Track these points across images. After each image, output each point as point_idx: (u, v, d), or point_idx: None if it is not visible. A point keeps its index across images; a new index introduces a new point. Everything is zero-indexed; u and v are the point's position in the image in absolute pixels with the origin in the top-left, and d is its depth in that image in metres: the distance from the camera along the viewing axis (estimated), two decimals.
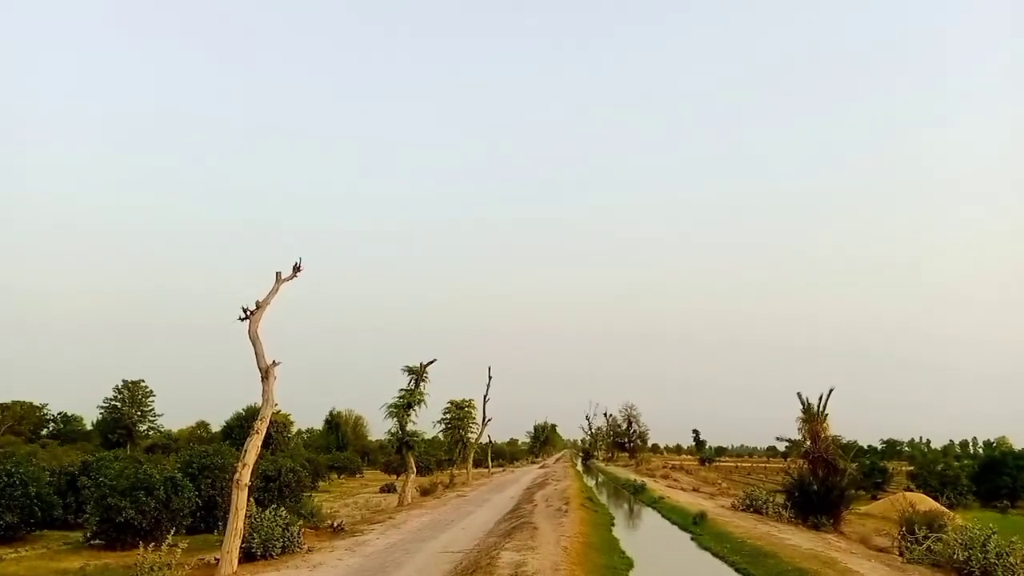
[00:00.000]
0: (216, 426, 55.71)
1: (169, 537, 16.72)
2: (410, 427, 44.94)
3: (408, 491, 41.85)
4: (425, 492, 48.07)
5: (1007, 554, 19.97)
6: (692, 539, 28.18)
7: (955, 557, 20.82)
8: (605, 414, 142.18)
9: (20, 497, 22.62)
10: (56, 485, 25.21)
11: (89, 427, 60.55)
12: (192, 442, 42.53)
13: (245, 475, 19.33)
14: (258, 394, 20.87)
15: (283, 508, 21.97)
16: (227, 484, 23.94)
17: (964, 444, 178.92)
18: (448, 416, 63.62)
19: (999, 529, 21.92)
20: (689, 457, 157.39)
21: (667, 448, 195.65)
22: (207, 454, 28.03)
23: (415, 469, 45.18)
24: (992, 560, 19.92)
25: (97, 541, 22.18)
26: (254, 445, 19.84)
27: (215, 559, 18.82)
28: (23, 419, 59.39)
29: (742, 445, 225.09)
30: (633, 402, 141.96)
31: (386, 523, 29.58)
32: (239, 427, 44.89)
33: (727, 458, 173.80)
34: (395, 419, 43.93)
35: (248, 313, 20.90)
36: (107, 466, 25.44)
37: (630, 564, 20.91)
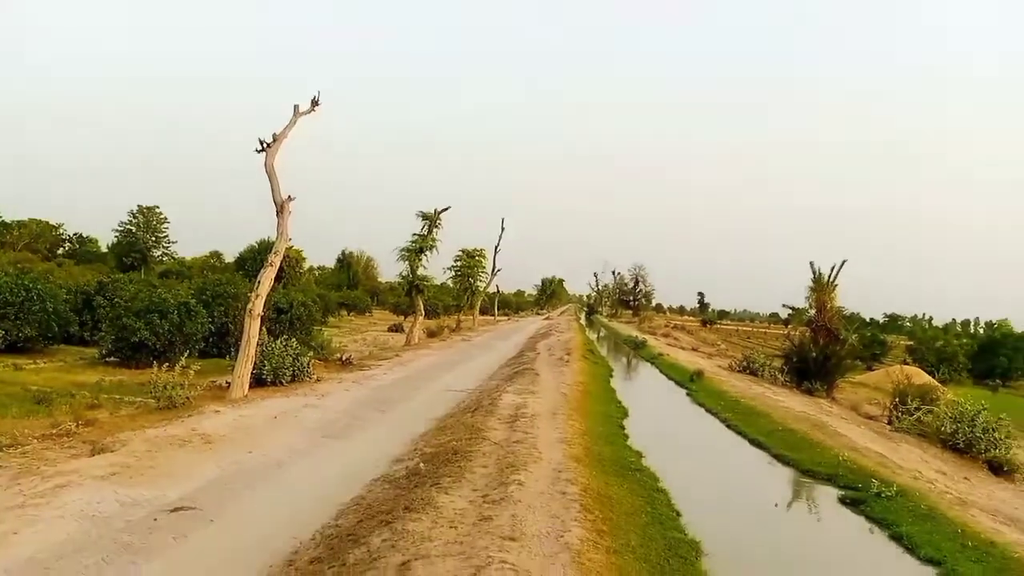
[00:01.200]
0: (229, 257, 56.42)
1: (182, 359, 17.17)
2: (421, 271, 45.44)
3: (415, 332, 42.83)
4: (432, 334, 49.26)
5: (993, 429, 20.47)
6: (687, 395, 29.01)
7: (942, 429, 21.38)
8: (613, 272, 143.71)
9: (38, 312, 23.19)
10: (72, 303, 25.78)
11: (104, 249, 61.41)
12: (205, 271, 43.16)
13: (258, 305, 19.63)
14: (271, 228, 20.89)
15: (294, 339, 22.48)
16: (239, 313, 24.47)
17: (966, 324, 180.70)
18: (458, 264, 64.21)
19: (989, 406, 22.38)
20: (692, 318, 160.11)
21: (671, 309, 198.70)
22: (220, 283, 28.45)
23: (423, 312, 46.04)
24: (978, 434, 20.44)
25: (112, 359, 22.93)
26: (267, 277, 20.04)
27: (226, 383, 19.45)
28: (39, 237, 60.19)
29: (744, 310, 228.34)
30: (642, 262, 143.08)
31: (393, 360, 30.43)
32: (252, 259, 45.39)
33: (729, 322, 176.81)
34: (406, 263, 44.31)
35: (265, 145, 20.47)
36: (122, 288, 25.93)
37: (625, 413, 21.57)
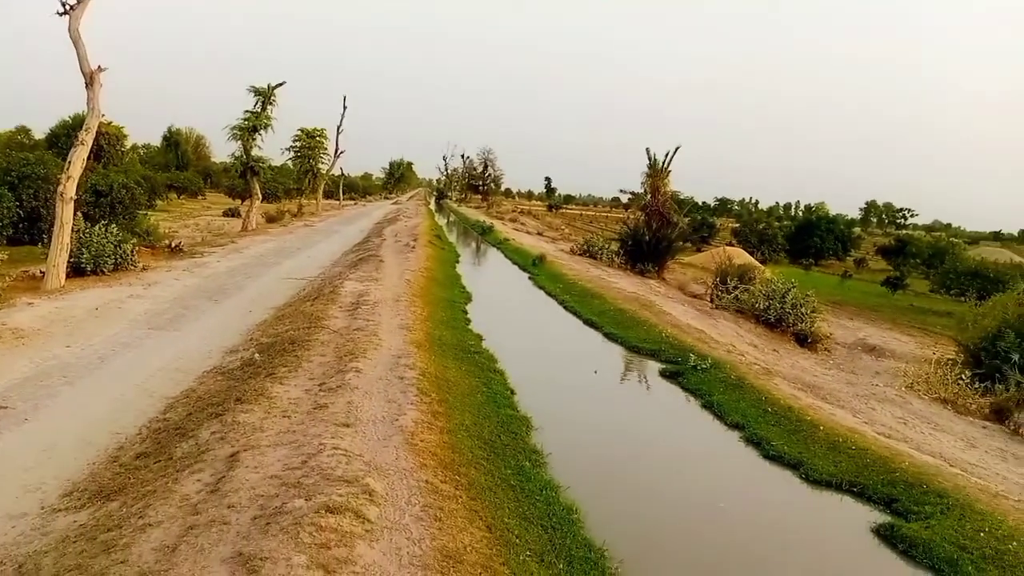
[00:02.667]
0: (39, 133, 50.73)
1: None
2: (256, 152, 43.00)
3: (253, 217, 40.98)
4: (271, 219, 47.33)
5: (801, 304, 22.63)
6: (530, 279, 29.91)
7: (757, 306, 23.40)
8: (463, 156, 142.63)
9: None
10: None
11: None
12: (11, 148, 38.62)
13: (70, 188, 17.97)
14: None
15: (115, 225, 20.91)
16: (52, 196, 22.28)
17: (788, 207, 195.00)
18: (298, 144, 61.20)
19: (800, 283, 24.66)
20: (539, 203, 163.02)
21: (519, 193, 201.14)
22: (28, 162, 25.59)
23: (260, 195, 43.94)
24: (787, 309, 22.55)
25: None
26: (79, 157, 18.29)
27: (41, 272, 17.96)
28: None
29: (589, 195, 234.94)
30: (491, 146, 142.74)
31: (228, 247, 29.10)
32: (66, 135, 41.00)
33: (574, 206, 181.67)
34: (239, 142, 41.70)
35: (67, 8, 18.17)
36: None
37: (469, 298, 22.00)
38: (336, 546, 5.47)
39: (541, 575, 6.02)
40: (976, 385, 17.01)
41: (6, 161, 26.10)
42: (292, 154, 61.54)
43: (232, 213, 50.97)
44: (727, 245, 57.31)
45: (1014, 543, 7.64)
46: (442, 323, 16.59)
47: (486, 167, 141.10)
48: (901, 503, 8.84)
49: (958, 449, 12.38)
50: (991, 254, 60.43)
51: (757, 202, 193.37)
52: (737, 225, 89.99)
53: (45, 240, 20.51)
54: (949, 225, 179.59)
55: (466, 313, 19.27)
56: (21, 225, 23.56)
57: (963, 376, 17.42)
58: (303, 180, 63.85)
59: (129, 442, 8.53)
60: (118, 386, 10.63)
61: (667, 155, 37.04)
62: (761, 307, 23.30)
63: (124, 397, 10.14)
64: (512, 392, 12.10)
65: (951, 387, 17.02)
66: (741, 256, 45.14)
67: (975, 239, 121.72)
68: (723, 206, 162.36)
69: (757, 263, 43.53)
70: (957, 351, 19.71)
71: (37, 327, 13.60)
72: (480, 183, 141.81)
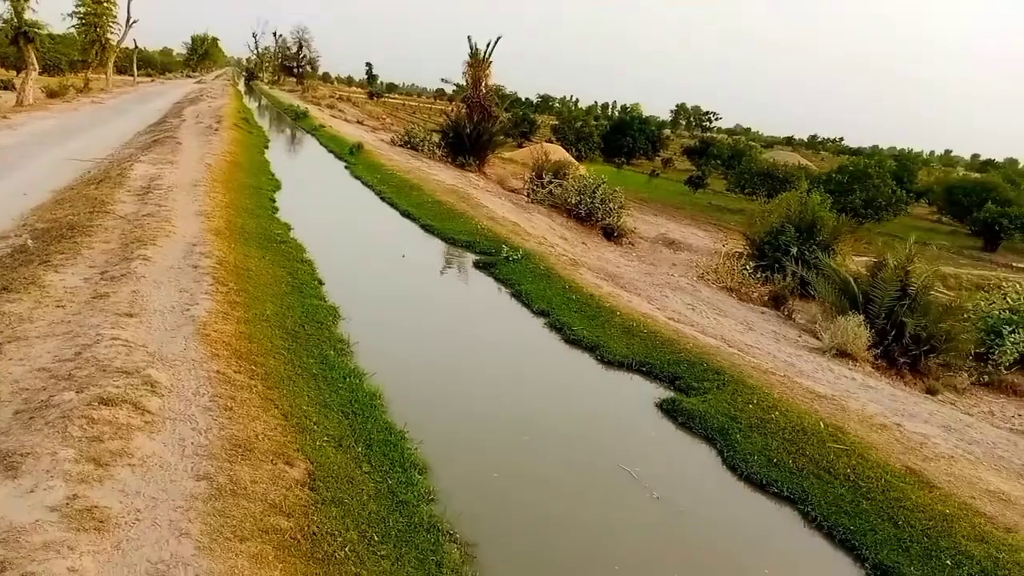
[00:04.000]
0: None
1: None
2: (29, 15, 37.57)
3: (29, 90, 36.18)
4: (53, 95, 42.02)
5: (609, 200, 23.61)
6: (346, 168, 28.91)
7: (569, 200, 24.14)
8: (275, 34, 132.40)
9: None
10: None
11: None
12: None
13: None
14: None
15: None
16: None
17: (606, 107, 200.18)
18: (82, 10, 54.15)
19: (611, 181, 25.66)
20: (359, 90, 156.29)
21: (338, 79, 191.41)
22: None
23: (38, 67, 38.78)
24: (597, 204, 23.45)
25: None
26: None
27: None
28: None
29: (413, 84, 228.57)
30: (307, 26, 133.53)
31: None
32: None
33: (397, 95, 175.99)
34: (7, 3, 36.20)
35: None
36: None
37: (278, 186, 20.93)
38: (110, 439, 5.12)
39: (338, 459, 6.00)
40: (759, 275, 18.74)
41: None
42: (75, 21, 54.45)
43: (5, 86, 44.73)
44: (546, 142, 58.19)
45: (776, 413, 8.59)
46: (245, 211, 15.69)
47: (300, 48, 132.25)
48: (684, 380, 9.65)
49: (737, 332, 13.64)
50: (782, 157, 65.70)
51: (577, 100, 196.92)
52: (557, 122, 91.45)
53: None
54: (749, 129, 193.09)
55: (274, 201, 18.34)
56: None
57: (747, 267, 19.10)
58: (89, 52, 56.87)
59: None
60: None
61: (488, 45, 36.44)
62: (573, 202, 24.07)
63: None
64: (320, 283, 11.77)
65: (737, 277, 18.63)
66: (558, 152, 46.10)
67: (770, 143, 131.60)
68: (545, 103, 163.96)
69: (573, 160, 44.69)
70: (745, 245, 21.52)
71: None
72: (295, 65, 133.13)
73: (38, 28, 39.02)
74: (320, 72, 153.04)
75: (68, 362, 6.35)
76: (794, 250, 18.79)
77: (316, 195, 23.26)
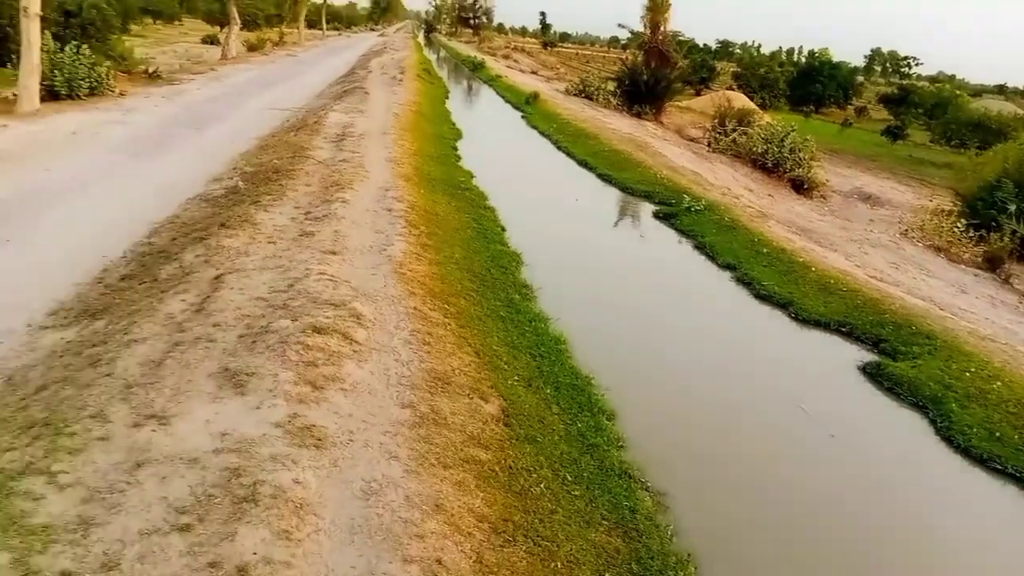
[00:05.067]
0: None
1: None
2: None
3: (232, 44, 38.99)
4: (252, 48, 45.15)
5: (799, 150, 22.17)
6: (522, 117, 29.06)
7: (754, 150, 22.92)
8: None
9: None
10: None
11: None
12: None
13: (34, 4, 16.77)
14: None
15: (86, 47, 19.75)
16: (17, 14, 20.94)
17: (791, 52, 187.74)
18: None
19: (799, 130, 24.05)
20: (533, 40, 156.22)
21: (512, 29, 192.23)
22: None
23: (239, 21, 41.63)
24: (785, 154, 22.10)
25: None
26: None
27: (12, 95, 17.12)
28: None
29: (586, 33, 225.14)
30: None
31: (208, 75, 27.84)
32: None
33: (570, 45, 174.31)
34: None
35: None
36: None
37: (459, 135, 21.38)
38: (324, 364, 5.44)
39: (529, 398, 6.07)
40: (971, 235, 16.99)
41: None
42: None
43: (211, 41, 48.56)
44: (727, 90, 55.57)
45: (998, 383, 7.78)
46: (431, 158, 16.16)
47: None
48: (889, 343, 8.94)
49: (948, 295, 12.48)
50: (995, 106, 59.01)
51: (760, 46, 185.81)
52: (738, 69, 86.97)
53: (15, 61, 19.42)
54: (953, 77, 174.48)
55: (455, 149, 18.77)
56: None
57: (958, 225, 17.36)
58: (283, 7, 60.50)
59: (114, 265, 8.36)
60: (101, 210, 10.36)
61: None
62: (759, 151, 22.83)
63: (108, 221, 9.87)
64: (503, 229, 11.92)
65: (946, 235, 17.00)
66: (740, 100, 43.87)
67: (978, 92, 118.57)
68: (724, 49, 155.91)
69: (757, 108, 42.41)
70: (954, 201, 19.55)
71: (14, 150, 13.10)
72: (471, 16, 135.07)
73: None
74: (495, 23, 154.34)
75: (282, 293, 6.81)
76: (1013, 207, 16.83)
77: (495, 144, 23.58)
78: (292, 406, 4.84)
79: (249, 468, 4.15)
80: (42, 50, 17.19)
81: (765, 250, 12.23)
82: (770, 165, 22.41)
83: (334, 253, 8.19)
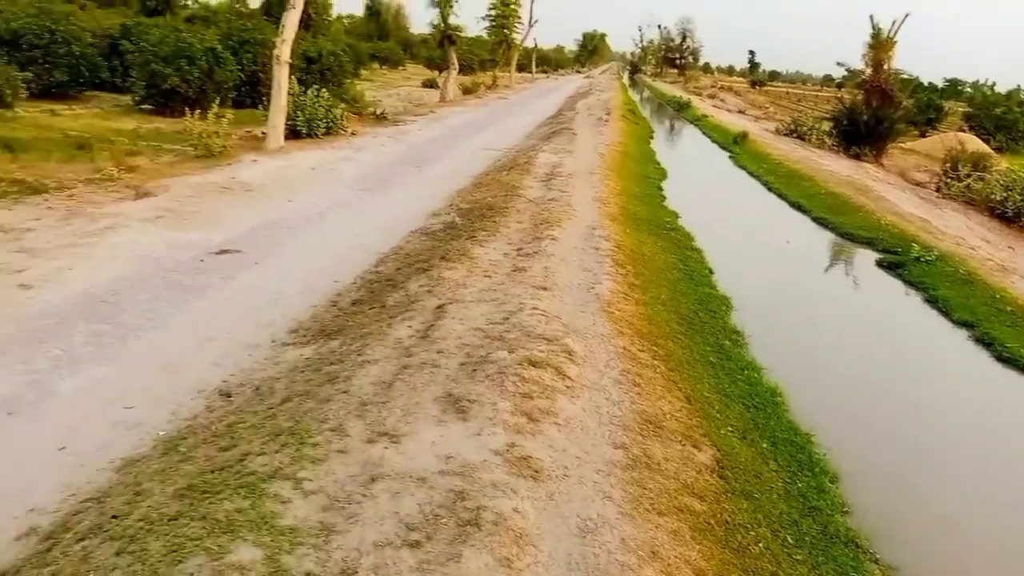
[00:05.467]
0: (255, 2, 53.78)
1: (215, 107, 16.89)
2: (453, 20, 43.07)
3: (450, 88, 41.54)
4: (467, 91, 47.84)
5: None
6: (730, 157, 28.38)
7: (992, 197, 20.80)
8: (659, 27, 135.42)
9: (65, 56, 22.63)
10: (99, 47, 25.02)
11: None
12: (231, 16, 41.26)
13: (285, 51, 18.89)
14: None
15: (324, 90, 21.88)
16: (269, 60, 23.68)
17: None
18: (493, 13, 60.64)
19: None
20: (741, 79, 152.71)
21: (719, 68, 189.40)
22: (247, 28, 27.24)
23: (457, 65, 44.29)
24: None
25: (146, 106, 22.68)
26: (291, 20, 19.07)
27: (262, 133, 19.29)
28: None
29: (797, 71, 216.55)
30: (690, 16, 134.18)
31: (428, 117, 29.82)
32: (278, 4, 43.27)
33: (780, 83, 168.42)
34: (437, 9, 41.83)
35: None
36: (148, 32, 24.96)
37: (664, 174, 21.26)
38: (538, 397, 5.56)
39: (744, 451, 5.84)
40: None
41: (228, 27, 27.90)
42: (487, 23, 61.20)
43: (430, 84, 52.01)
44: (958, 131, 51.00)
45: None
46: (636, 198, 16.18)
47: (684, 39, 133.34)
48: None
49: None
50: None
51: (994, 84, 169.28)
52: (969, 110, 79.67)
53: (265, 103, 21.90)
54: None
55: (661, 189, 18.67)
56: (243, 88, 25.25)
57: None
58: (497, 51, 63.61)
59: (346, 290, 9.12)
60: (335, 239, 11.36)
61: (894, 24, 32.98)
62: (997, 199, 20.67)
63: (339, 250, 10.79)
64: (710, 271, 11.66)
65: None
66: (973, 142, 40.08)
67: None
68: (952, 88, 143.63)
69: (992, 152, 38.54)
70: None
71: (262, 183, 14.72)
72: (677, 56, 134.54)
73: (459, 31, 44.56)
74: (701, 63, 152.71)
75: (498, 325, 7.07)
76: None
77: (701, 184, 23.21)
78: (510, 436, 4.98)
79: (472, 492, 4.31)
80: (288, 93, 19.28)
81: (1008, 308, 10.99)
82: (1010, 214, 20.21)
83: (545, 289, 8.39)
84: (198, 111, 16.66)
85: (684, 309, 9.25)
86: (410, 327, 7.09)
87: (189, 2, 47.70)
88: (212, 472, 4.53)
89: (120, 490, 4.68)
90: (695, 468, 5.29)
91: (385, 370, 6.04)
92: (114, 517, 4.25)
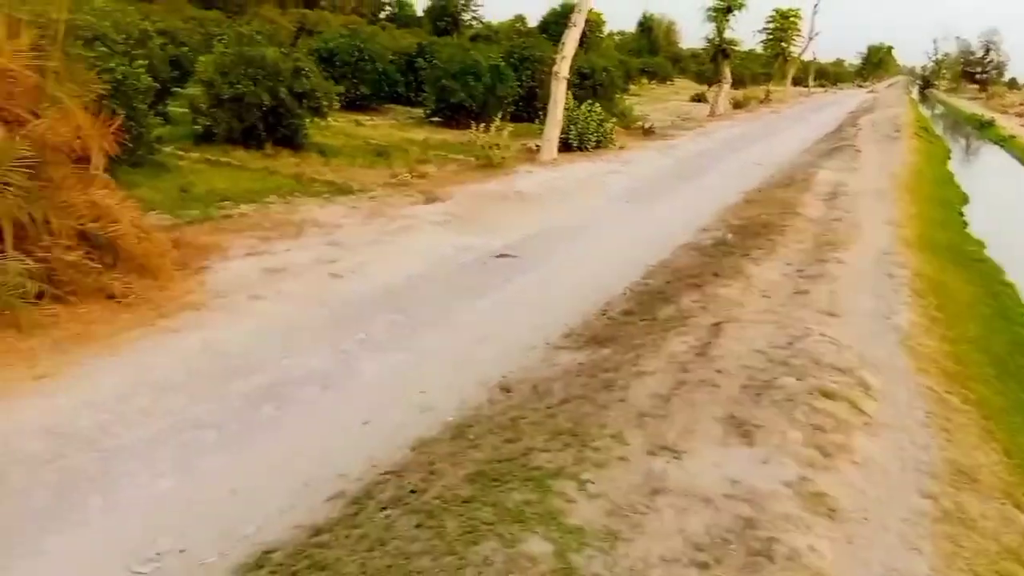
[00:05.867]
0: (532, 21, 56.50)
1: (497, 120, 17.90)
2: (728, 34, 41.93)
3: (720, 102, 40.50)
4: (737, 105, 46.37)
5: None
6: None
7: None
8: (957, 38, 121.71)
9: (370, 72, 25.34)
10: (397, 64, 27.69)
11: (420, 13, 64.45)
12: (512, 35, 43.68)
13: (564, 67, 19.55)
14: None
15: (597, 104, 22.31)
16: (545, 76, 24.70)
17: None
18: (771, 26, 58.16)
19: None
20: None
21: None
22: (527, 46, 28.64)
23: (730, 79, 43.05)
24: None
25: (435, 119, 24.69)
26: (571, 38, 19.69)
27: (536, 145, 20.12)
28: (363, 1, 64.47)
29: None
30: (996, 27, 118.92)
31: (696, 131, 29.33)
32: (555, 23, 45.06)
33: None
34: (713, 23, 40.97)
35: None
36: (439, 51, 27.19)
37: (964, 199, 18.99)
38: (832, 431, 5.15)
39: None
40: None
41: (509, 46, 29.51)
42: (764, 36, 58.87)
43: (699, 99, 51.17)
44: None
45: None
46: (933, 223, 14.60)
47: (987, 52, 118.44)
48: None
49: None
50: None
51: None
52: None
53: (540, 117, 22.82)
54: None
55: (962, 215, 16.70)
56: (520, 103, 26.55)
57: None
58: (772, 65, 60.96)
59: (615, 299, 9.16)
60: (603, 249, 11.50)
61: None
62: None
63: (607, 260, 10.89)
64: None
65: None
66: None
67: None
68: None
69: None
70: None
71: (536, 192, 15.33)
72: (978, 71, 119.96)
73: (734, 45, 43.26)
74: (1007, 78, 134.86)
75: (782, 349, 6.67)
76: None
77: (1011, 212, 20.41)
78: (801, 468, 4.65)
79: (762, 522, 4.08)
80: (563, 108, 19.92)
81: None
82: None
83: (832, 315, 7.80)
84: (481, 124, 17.76)
85: (997, 350, 8.13)
86: (684, 342, 6.93)
87: (474, 22, 51.19)
88: (499, 462, 4.71)
89: (415, 468, 5.03)
90: (1018, 531, 4.57)
91: (662, 383, 5.94)
92: (412, 492, 4.58)
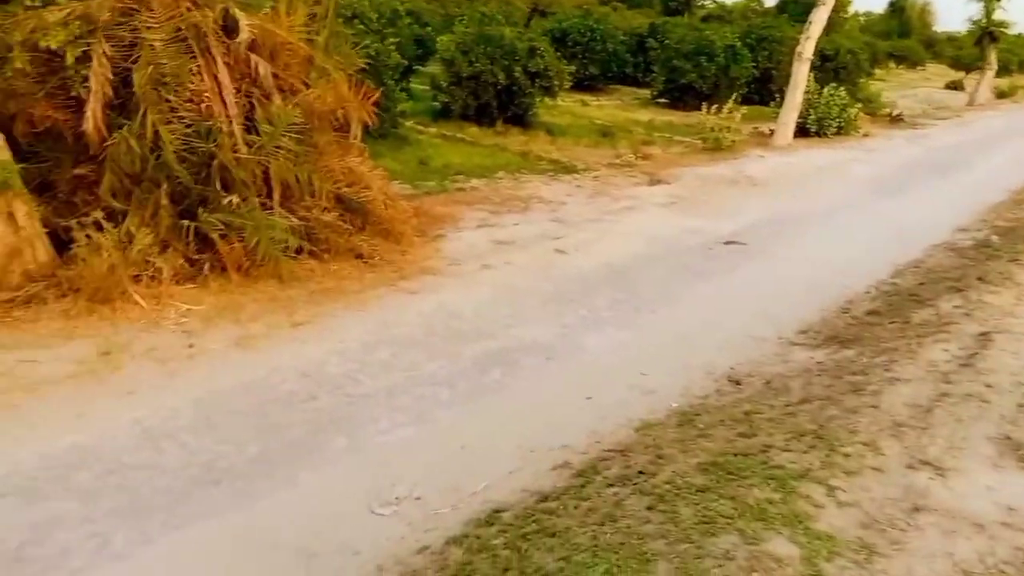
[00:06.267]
0: (769, 1, 53.64)
1: (729, 102, 17.17)
2: (998, 15, 37.22)
3: (982, 90, 36.18)
4: (1001, 95, 41.15)
5: None
6: None
7: None
8: None
9: (600, 52, 25.29)
10: (628, 45, 27.39)
11: None
12: (747, 14, 41.74)
13: (808, 48, 18.35)
14: None
15: (841, 89, 20.75)
16: (783, 57, 23.36)
17: None
18: None
19: None
20: None
21: None
22: (766, 25, 27.25)
23: (995, 66, 38.30)
24: None
25: (662, 100, 24.20)
26: (819, 17, 18.43)
27: (769, 130, 19.12)
28: None
29: None
30: None
31: (951, 120, 26.48)
32: (792, 2, 42.51)
33: None
34: (981, 3, 36.56)
35: None
36: (671, 31, 26.54)
37: None
38: None
39: None
40: None
41: (747, 25, 28.19)
42: None
43: (954, 86, 46.10)
44: None
45: None
46: None
47: None
48: None
49: None
50: None
51: None
52: None
53: (775, 99, 21.63)
54: None
55: None
56: (753, 85, 25.31)
57: None
58: None
59: (858, 297, 8.45)
60: (842, 241, 10.69)
61: None
62: None
63: (849, 252, 10.08)
64: None
65: None
66: None
67: None
68: None
69: None
70: None
71: (768, 178, 14.56)
72: None
73: (1004, 27, 38.37)
74: None
75: None
76: None
77: None
78: None
79: None
80: (803, 91, 18.69)
81: None
82: None
83: None
84: (712, 106, 17.11)
85: None
86: (946, 351, 6.20)
87: (707, 2, 49.52)
88: (735, 455, 4.46)
89: (641, 449, 4.91)
90: None
91: (919, 392, 5.35)
92: (640, 473, 4.46)
